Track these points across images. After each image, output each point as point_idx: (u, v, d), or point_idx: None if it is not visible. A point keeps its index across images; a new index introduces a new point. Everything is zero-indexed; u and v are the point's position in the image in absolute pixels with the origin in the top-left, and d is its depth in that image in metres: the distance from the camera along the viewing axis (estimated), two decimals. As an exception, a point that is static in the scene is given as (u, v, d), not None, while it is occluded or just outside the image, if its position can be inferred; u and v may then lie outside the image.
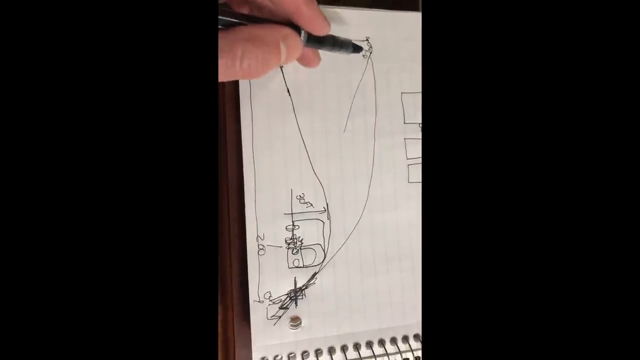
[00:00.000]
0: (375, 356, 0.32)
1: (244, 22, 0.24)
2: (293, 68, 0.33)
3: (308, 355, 0.32)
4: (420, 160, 0.34)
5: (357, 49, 0.31)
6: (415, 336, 0.33)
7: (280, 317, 0.31)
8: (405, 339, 0.33)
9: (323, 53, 0.31)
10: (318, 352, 0.32)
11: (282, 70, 0.33)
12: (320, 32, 0.28)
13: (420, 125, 0.35)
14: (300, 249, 0.32)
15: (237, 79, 0.24)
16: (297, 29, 0.27)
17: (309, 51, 0.30)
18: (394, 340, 0.33)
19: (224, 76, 0.23)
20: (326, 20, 0.28)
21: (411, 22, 0.35)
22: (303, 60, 0.31)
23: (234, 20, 0.24)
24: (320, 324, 0.32)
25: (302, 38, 0.27)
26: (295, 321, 0.32)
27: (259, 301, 0.31)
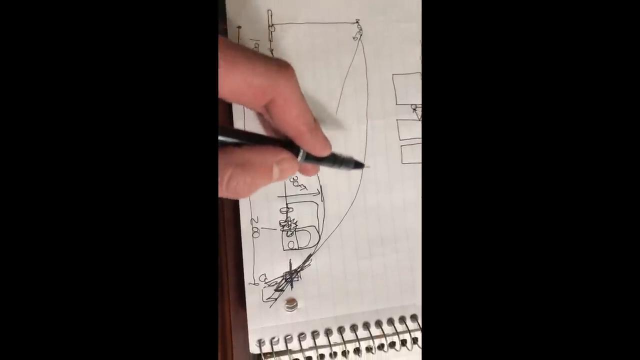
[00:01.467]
0: (372, 337, 0.32)
1: (243, 141, 0.24)
2: (284, 52, 0.33)
3: (305, 337, 0.32)
4: (413, 142, 0.34)
5: (358, 165, 0.30)
6: (412, 317, 0.33)
7: (276, 299, 0.31)
8: (402, 319, 0.33)
9: (314, 36, 0.31)
10: (315, 334, 0.32)
11: (272, 54, 0.33)
12: (321, 154, 0.27)
13: (413, 106, 0.35)
14: (295, 231, 0.32)
15: (222, 197, 0.24)
16: (296, 147, 0.26)
17: (307, 164, 0.28)
18: (390, 321, 0.33)
19: None
20: (327, 142, 0.27)
21: (401, 3, 0.35)
22: (300, 171, 0.29)
23: (233, 140, 0.24)
24: (316, 306, 0.32)
25: (299, 157, 0.26)
26: (291, 303, 0.32)
27: (254, 284, 0.31)
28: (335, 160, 0.29)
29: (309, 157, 0.27)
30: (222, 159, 0.22)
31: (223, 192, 0.23)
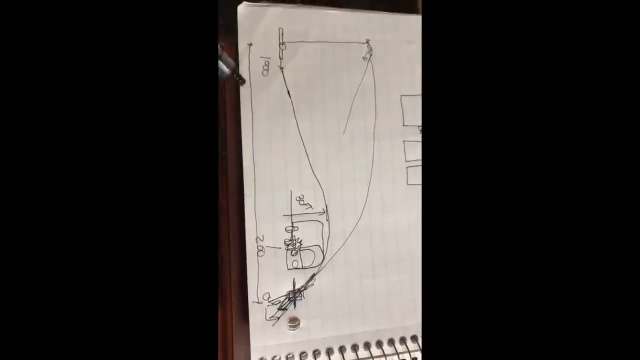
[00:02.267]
0: (372, 357, 0.32)
1: None
2: (293, 70, 0.33)
3: (306, 356, 0.32)
4: (419, 163, 0.35)
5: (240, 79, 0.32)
6: (413, 337, 0.33)
7: (279, 318, 0.32)
8: (403, 340, 0.33)
9: (324, 55, 0.31)
10: (316, 353, 0.32)
11: (282, 71, 0.33)
12: None
13: (420, 127, 0.35)
14: (300, 251, 0.32)
15: None
16: None
17: None
18: (391, 342, 0.33)
19: None
20: None
21: (411, 24, 0.35)
22: None
23: None
24: (318, 325, 0.32)
25: None
26: (294, 322, 0.32)
27: (257, 302, 0.31)
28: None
29: None
30: None
31: None
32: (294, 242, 0.32)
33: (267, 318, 0.31)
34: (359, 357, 0.32)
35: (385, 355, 0.33)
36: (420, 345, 0.33)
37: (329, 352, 0.32)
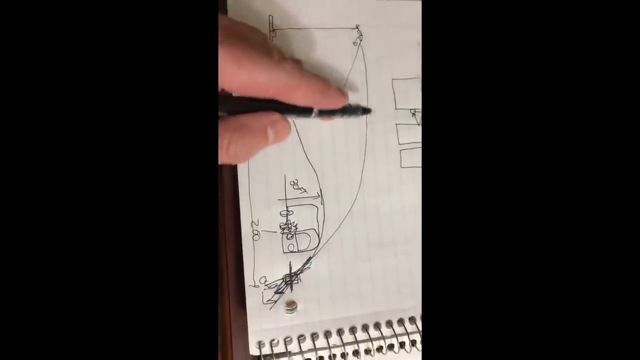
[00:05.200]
0: (371, 339, 0.32)
1: (238, 109, 0.26)
2: (284, 56, 0.33)
3: (304, 339, 0.32)
4: (412, 146, 0.35)
5: (366, 111, 0.32)
6: (411, 319, 0.33)
7: (275, 301, 0.32)
8: (401, 322, 0.33)
9: (315, 41, 0.32)
10: (314, 336, 0.32)
11: (273, 58, 0.33)
12: (338, 106, 0.29)
13: (412, 110, 0.35)
14: (295, 234, 0.33)
15: (223, 163, 0.26)
16: (293, 109, 0.27)
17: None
18: (389, 324, 0.33)
19: None
20: (341, 94, 0.29)
21: (400, 9, 0.35)
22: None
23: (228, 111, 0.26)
24: (316, 308, 0.32)
25: (313, 114, 0.28)
26: (291, 305, 0.32)
27: (254, 286, 0.32)
28: (346, 111, 0.30)
29: (322, 112, 0.29)
30: (220, 126, 0.24)
31: (223, 158, 0.25)
32: (290, 225, 0.33)
33: (264, 302, 0.32)
34: (357, 339, 0.32)
35: (383, 338, 0.33)
36: (419, 326, 0.33)
37: (327, 334, 0.32)
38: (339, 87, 0.29)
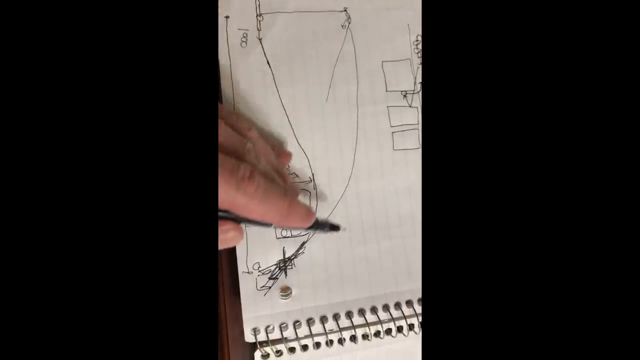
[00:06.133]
0: (368, 324, 0.32)
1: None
2: (272, 41, 0.33)
3: (300, 324, 0.31)
4: (404, 128, 0.35)
5: (333, 228, 0.31)
6: (408, 302, 0.33)
7: (270, 287, 0.31)
8: (398, 305, 0.33)
9: (302, 24, 0.32)
10: (310, 322, 0.32)
11: (261, 43, 0.33)
12: (303, 226, 0.29)
13: (403, 92, 0.35)
14: (288, 219, 0.32)
15: None
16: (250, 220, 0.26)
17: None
18: (386, 307, 0.33)
19: None
20: (306, 214, 0.28)
21: (389, -9, 0.35)
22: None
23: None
24: (310, 293, 0.32)
25: (273, 226, 0.28)
26: (286, 291, 0.32)
27: (248, 272, 0.31)
28: (312, 227, 0.29)
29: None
30: None
31: None
32: (282, 211, 0.32)
33: (258, 288, 0.31)
34: (354, 324, 0.32)
35: (381, 322, 0.32)
36: (416, 310, 0.33)
37: (323, 320, 0.32)
38: (306, 208, 0.28)
